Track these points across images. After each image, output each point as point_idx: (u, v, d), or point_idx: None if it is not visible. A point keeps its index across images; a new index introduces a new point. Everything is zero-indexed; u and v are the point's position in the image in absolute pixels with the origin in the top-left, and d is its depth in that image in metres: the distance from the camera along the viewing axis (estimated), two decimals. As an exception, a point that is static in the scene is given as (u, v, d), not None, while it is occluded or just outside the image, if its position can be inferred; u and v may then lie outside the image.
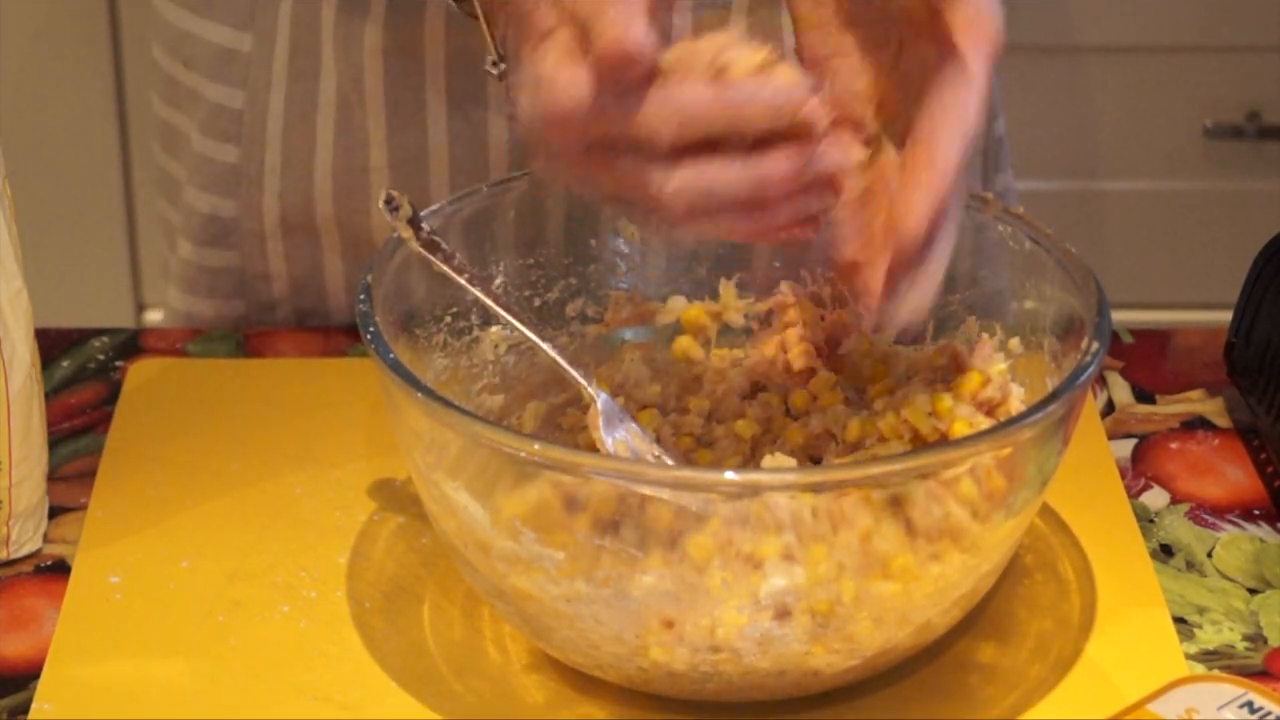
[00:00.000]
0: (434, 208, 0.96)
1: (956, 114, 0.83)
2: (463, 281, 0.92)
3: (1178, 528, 1.00)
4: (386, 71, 1.11)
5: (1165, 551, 0.99)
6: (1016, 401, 0.92)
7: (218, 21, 1.15)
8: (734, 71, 0.82)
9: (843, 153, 0.84)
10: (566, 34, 0.82)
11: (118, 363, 1.11)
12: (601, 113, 0.81)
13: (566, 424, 0.98)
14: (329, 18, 1.11)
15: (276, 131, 1.15)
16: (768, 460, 0.91)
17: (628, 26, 0.79)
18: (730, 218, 0.83)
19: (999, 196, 1.17)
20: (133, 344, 1.13)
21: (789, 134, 0.82)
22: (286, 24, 1.13)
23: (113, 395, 1.08)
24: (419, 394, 0.85)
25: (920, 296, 0.84)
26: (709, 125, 0.81)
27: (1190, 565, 0.98)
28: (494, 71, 0.93)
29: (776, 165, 0.82)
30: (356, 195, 1.15)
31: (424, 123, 1.12)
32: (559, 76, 0.81)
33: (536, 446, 0.84)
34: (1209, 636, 0.93)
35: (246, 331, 1.15)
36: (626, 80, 0.80)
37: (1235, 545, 0.99)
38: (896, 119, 0.87)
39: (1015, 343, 0.95)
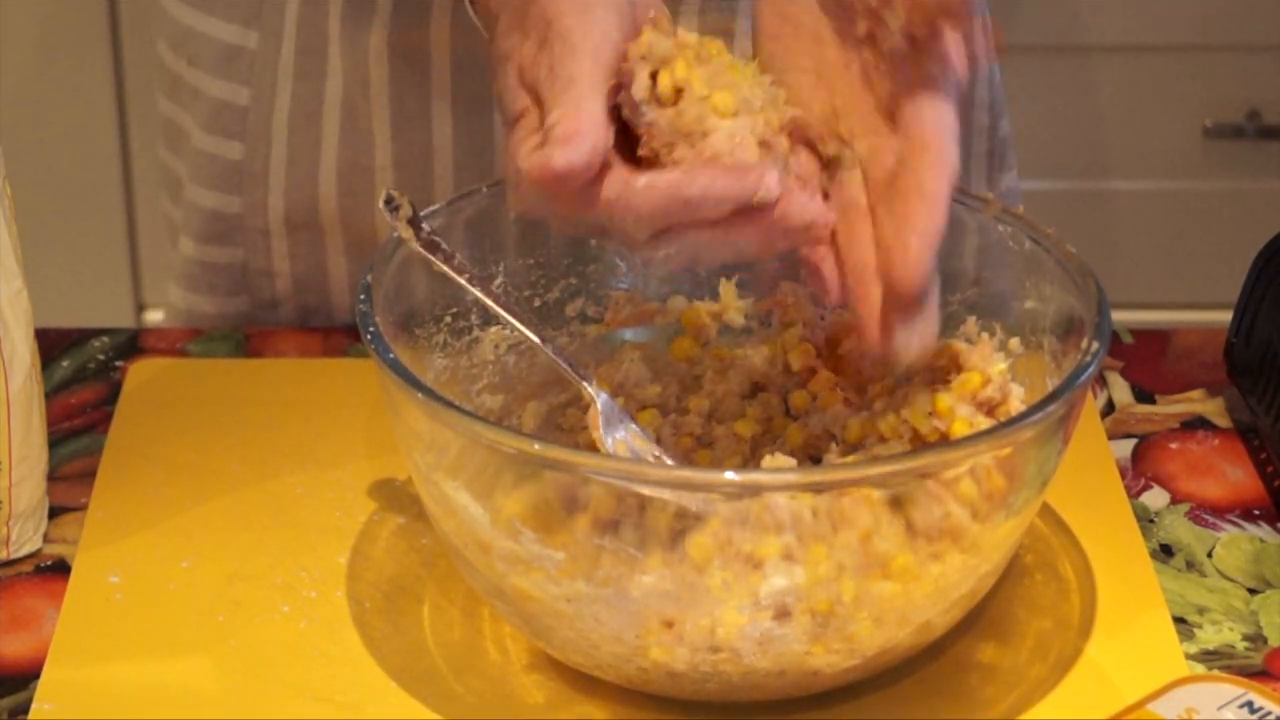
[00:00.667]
0: (434, 208, 0.96)
1: (939, 147, 0.83)
2: (463, 281, 0.92)
3: (1178, 528, 1.00)
4: (392, 72, 1.11)
5: (1165, 551, 0.99)
6: (1016, 401, 0.92)
7: (223, 19, 1.15)
8: (710, 141, 0.83)
9: (805, 207, 0.83)
10: (536, 117, 0.83)
11: (118, 363, 1.11)
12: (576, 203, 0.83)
13: (566, 424, 0.98)
14: (335, 18, 1.11)
15: (282, 129, 1.15)
16: (768, 460, 0.91)
17: (572, 134, 0.80)
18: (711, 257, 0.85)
19: (1004, 197, 1.17)
20: (133, 344, 1.13)
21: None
22: (293, 23, 1.13)
23: (113, 395, 1.08)
24: (419, 394, 0.85)
25: (925, 334, 0.84)
26: (670, 220, 0.82)
27: (1190, 565, 0.98)
28: None
29: (745, 234, 0.83)
30: (361, 194, 1.15)
31: (428, 123, 1.12)
32: (530, 168, 0.82)
33: (536, 446, 0.84)
34: (1209, 636, 0.93)
35: (247, 331, 1.15)
36: (578, 186, 0.81)
37: (1235, 545, 0.99)
38: (856, 139, 0.87)
39: (1015, 343, 0.95)
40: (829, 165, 0.88)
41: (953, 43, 0.84)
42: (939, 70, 0.84)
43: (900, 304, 0.83)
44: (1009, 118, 1.24)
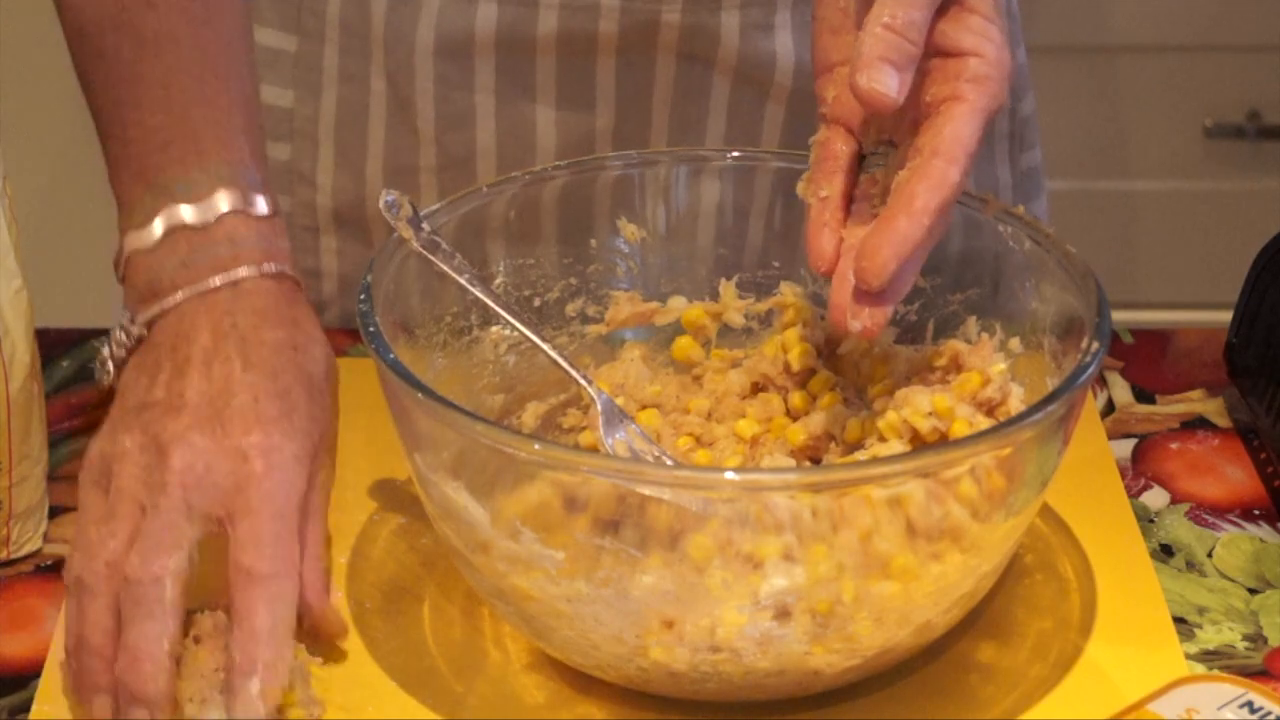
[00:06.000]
0: (434, 208, 0.96)
1: (939, 169, 0.85)
2: (463, 281, 0.92)
3: (1178, 528, 1.00)
4: (437, 72, 1.12)
5: (1165, 551, 0.99)
6: (1016, 401, 0.92)
7: (261, 24, 1.15)
8: None
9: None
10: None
11: (118, 363, 1.11)
12: None
13: (566, 424, 0.98)
14: (379, 19, 1.11)
15: (329, 130, 1.15)
16: (767, 460, 0.91)
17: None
18: None
19: (1026, 175, 1.17)
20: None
21: None
22: (335, 26, 1.13)
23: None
24: (419, 394, 0.85)
25: (870, 322, 0.86)
26: None
27: (1190, 565, 0.98)
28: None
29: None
30: (407, 193, 1.15)
31: (473, 123, 1.13)
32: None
33: (536, 446, 0.84)
34: (1209, 636, 0.93)
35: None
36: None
37: (1235, 545, 0.99)
38: (898, 138, 0.89)
39: (1015, 343, 0.95)
40: (864, 158, 0.90)
41: (987, 65, 0.86)
42: (971, 88, 0.86)
43: (860, 293, 0.86)
44: (1034, 97, 1.24)
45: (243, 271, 0.92)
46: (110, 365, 0.94)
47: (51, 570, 0.97)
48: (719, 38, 1.10)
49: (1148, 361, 1.13)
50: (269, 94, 1.15)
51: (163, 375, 0.90)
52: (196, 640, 0.85)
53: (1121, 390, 1.11)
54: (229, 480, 0.87)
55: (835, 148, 0.90)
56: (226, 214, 0.92)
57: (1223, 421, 1.08)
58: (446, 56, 1.11)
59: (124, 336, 0.93)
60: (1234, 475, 1.04)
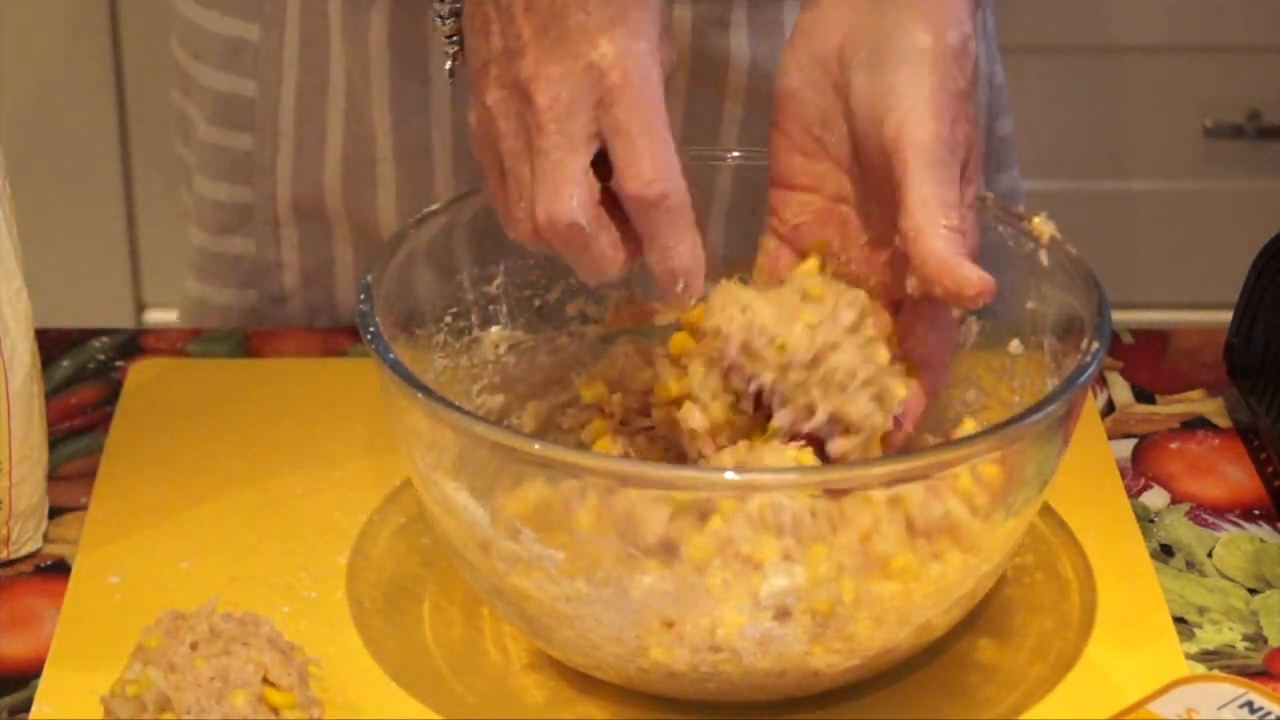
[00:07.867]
0: (434, 207, 0.96)
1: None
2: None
3: (1178, 528, 1.00)
4: (392, 61, 1.11)
5: (1165, 551, 0.99)
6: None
7: (224, 13, 1.15)
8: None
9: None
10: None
11: (118, 363, 1.11)
12: None
13: (566, 424, 0.98)
14: (336, 7, 1.11)
15: (289, 120, 1.15)
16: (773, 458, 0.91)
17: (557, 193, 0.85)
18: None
19: (1004, 197, 1.17)
20: (133, 344, 1.13)
21: None
22: (295, 14, 1.13)
23: (113, 395, 1.08)
24: (419, 394, 0.85)
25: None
26: None
27: (1190, 565, 0.98)
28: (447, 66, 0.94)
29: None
30: (364, 185, 1.15)
31: (428, 114, 1.12)
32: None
33: (536, 446, 0.84)
34: (1209, 636, 0.93)
35: (247, 331, 1.15)
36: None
37: (1235, 545, 0.99)
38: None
39: (1015, 343, 0.95)
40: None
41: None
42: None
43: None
44: (1013, 118, 1.24)
45: None
46: (452, 50, 0.93)
47: (51, 570, 0.97)
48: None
49: (1148, 361, 1.13)
50: (232, 84, 1.16)
51: (494, 26, 0.88)
52: (193, 647, 0.85)
53: (1121, 390, 1.11)
54: (592, 99, 0.85)
55: (783, 262, 0.93)
56: None
57: (1223, 421, 1.08)
58: (401, 45, 1.11)
59: (445, 9, 0.92)
60: (1234, 475, 1.04)
